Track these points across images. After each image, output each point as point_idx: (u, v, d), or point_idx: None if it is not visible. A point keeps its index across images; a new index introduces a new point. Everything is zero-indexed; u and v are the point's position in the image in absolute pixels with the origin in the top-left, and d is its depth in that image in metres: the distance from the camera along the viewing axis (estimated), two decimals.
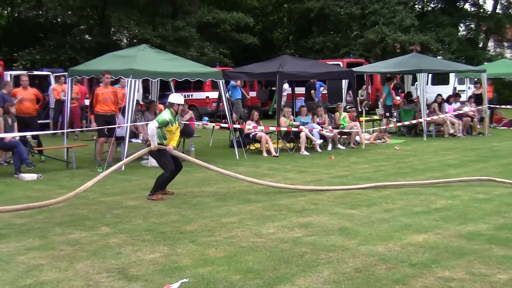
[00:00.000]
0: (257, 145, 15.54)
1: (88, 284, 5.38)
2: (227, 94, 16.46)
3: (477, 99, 21.30)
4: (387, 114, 21.02)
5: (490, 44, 44.24)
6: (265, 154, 14.75)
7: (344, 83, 21.10)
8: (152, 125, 9.26)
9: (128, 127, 12.77)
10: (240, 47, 36.57)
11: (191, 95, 25.58)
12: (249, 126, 15.34)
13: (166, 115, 9.36)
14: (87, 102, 18.36)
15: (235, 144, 14.52)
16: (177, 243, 6.67)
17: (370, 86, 29.21)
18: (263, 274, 5.57)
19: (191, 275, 5.54)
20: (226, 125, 15.28)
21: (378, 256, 6.06)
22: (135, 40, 31.52)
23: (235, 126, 15.17)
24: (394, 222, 7.55)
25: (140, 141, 13.89)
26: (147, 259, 6.10)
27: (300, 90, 22.24)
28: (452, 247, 6.37)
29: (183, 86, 21.69)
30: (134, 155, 9.84)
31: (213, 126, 17.01)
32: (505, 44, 43.42)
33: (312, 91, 21.82)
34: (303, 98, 22.75)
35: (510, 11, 42.31)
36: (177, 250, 6.40)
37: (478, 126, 20.59)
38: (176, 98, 9.56)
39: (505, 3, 42.67)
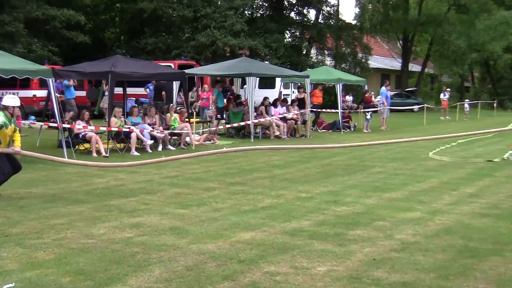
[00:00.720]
0: (87, 145, 15.21)
1: None
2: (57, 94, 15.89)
3: (300, 103, 22.48)
4: (219, 116, 21.53)
5: (313, 51, 46.92)
6: (94, 154, 14.48)
7: (175, 84, 21.29)
8: None
9: None
10: (70, 45, 35.44)
11: (17, 93, 24.25)
12: (79, 126, 14.98)
13: None
14: None
15: (64, 145, 14.10)
16: (2, 247, 6.40)
17: (200, 88, 29.63)
18: (94, 275, 5.55)
19: (18, 279, 5.37)
20: (55, 125, 14.80)
21: (209, 254, 6.26)
22: None
23: (64, 125, 14.74)
24: (224, 221, 7.82)
25: None
26: None
27: (131, 90, 22.04)
28: (277, 243, 6.75)
29: (8, 83, 20.63)
30: None
31: (41, 126, 16.36)
32: (326, 52, 46.25)
33: (164, 93, 21.85)
34: (134, 98, 22.62)
35: (330, 21, 45.27)
36: (2, 254, 6.15)
37: (302, 128, 21.74)
38: (10, 100, 9.15)
39: (326, 14, 45.57)
